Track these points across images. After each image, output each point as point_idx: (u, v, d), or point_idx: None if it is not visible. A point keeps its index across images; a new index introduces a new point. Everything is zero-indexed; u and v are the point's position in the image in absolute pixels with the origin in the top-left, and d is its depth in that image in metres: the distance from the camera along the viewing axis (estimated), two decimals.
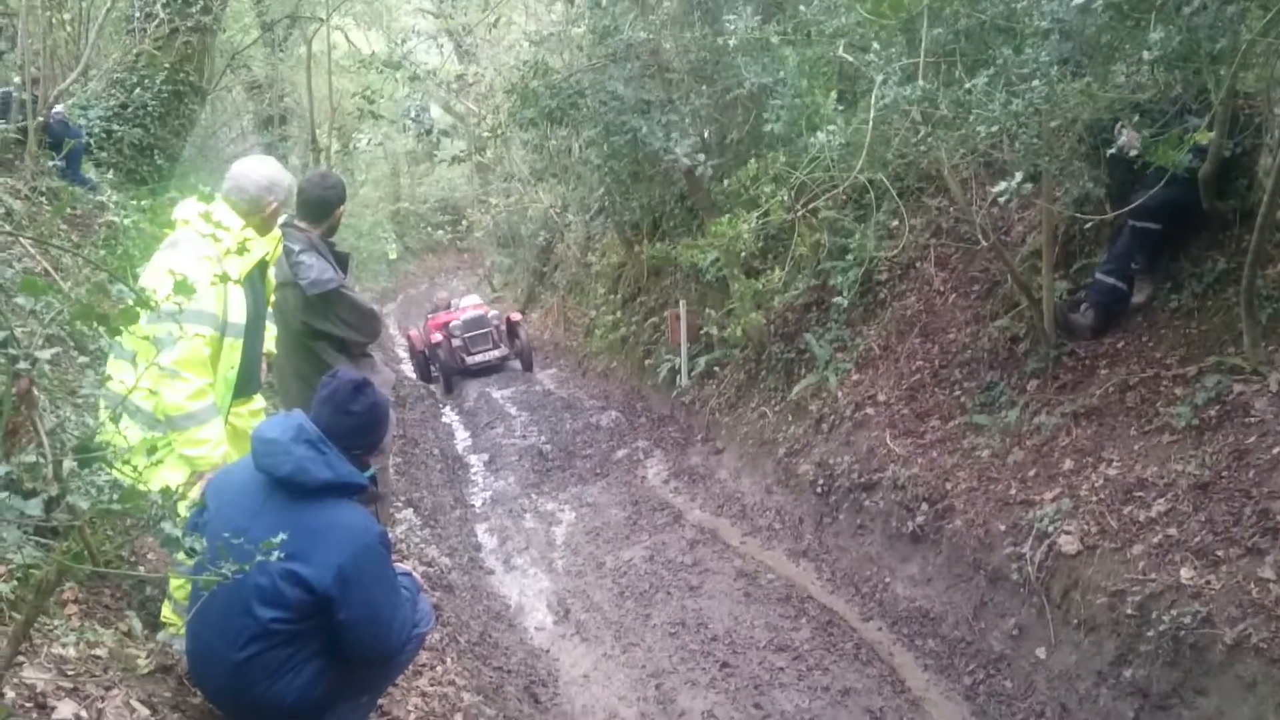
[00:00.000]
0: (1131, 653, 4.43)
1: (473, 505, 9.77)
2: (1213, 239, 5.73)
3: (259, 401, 4.15)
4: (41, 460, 2.21)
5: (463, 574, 7.38)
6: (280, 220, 4.27)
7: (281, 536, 2.54)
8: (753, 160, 5.90)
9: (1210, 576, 4.23)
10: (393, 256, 29.10)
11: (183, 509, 2.65)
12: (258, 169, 4.02)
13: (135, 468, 2.69)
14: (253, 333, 3.90)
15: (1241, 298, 4.90)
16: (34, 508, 1.89)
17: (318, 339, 4.86)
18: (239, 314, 3.72)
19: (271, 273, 4.28)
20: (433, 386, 16.10)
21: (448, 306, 17.61)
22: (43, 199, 8.02)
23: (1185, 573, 4.32)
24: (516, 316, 16.94)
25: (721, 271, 9.95)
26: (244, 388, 3.94)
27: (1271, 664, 3.80)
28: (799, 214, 6.12)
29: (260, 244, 3.88)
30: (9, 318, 2.08)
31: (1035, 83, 4.44)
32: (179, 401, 3.37)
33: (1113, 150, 4.66)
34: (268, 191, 3.99)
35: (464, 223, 24.64)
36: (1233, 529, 4.34)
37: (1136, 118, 4.63)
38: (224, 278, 3.07)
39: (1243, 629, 3.95)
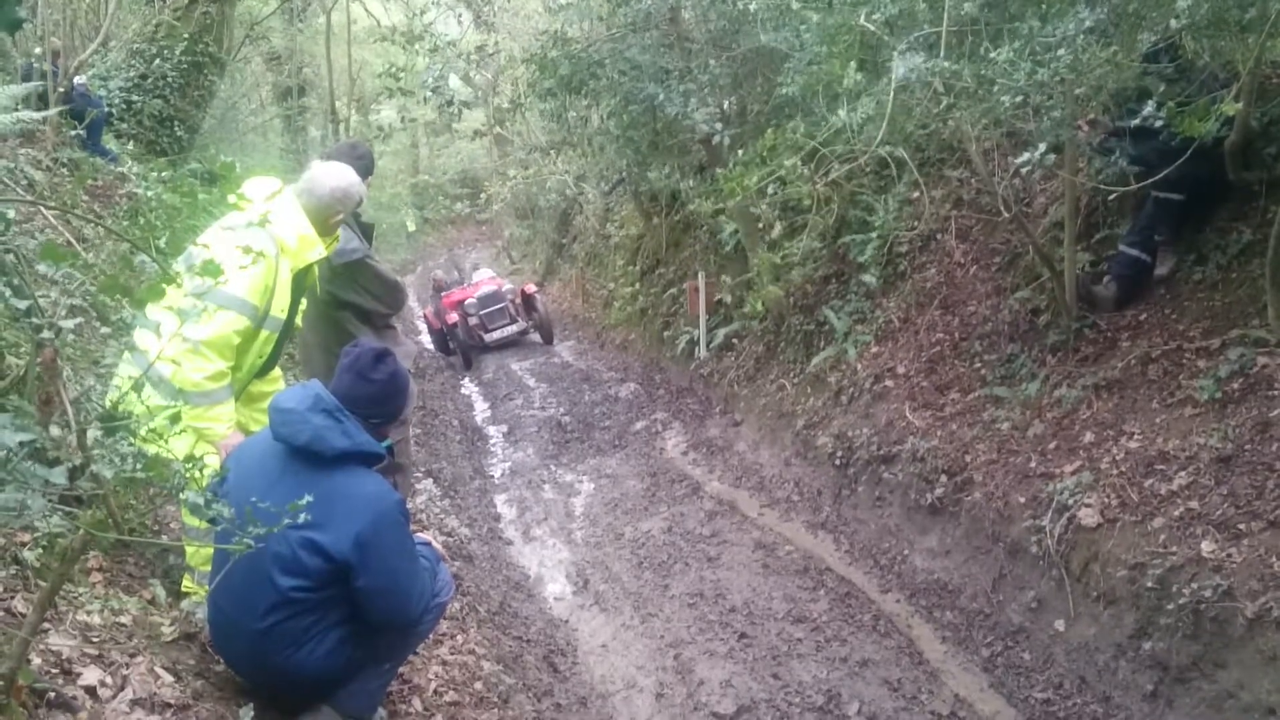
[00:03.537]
0: (1151, 626, 4.42)
1: (492, 476, 9.81)
2: (1238, 210, 5.66)
3: (275, 370, 4.18)
4: (65, 429, 2.23)
5: (482, 544, 7.42)
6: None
7: (307, 498, 2.56)
8: (770, 131, 5.84)
9: (1232, 549, 4.22)
10: (412, 228, 29.13)
11: (205, 476, 2.67)
12: (334, 179, 4.05)
13: (158, 435, 2.71)
14: (288, 327, 3.93)
15: (1266, 269, 4.86)
16: (58, 476, 1.90)
17: (342, 309, 4.88)
18: (281, 309, 3.75)
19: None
20: (452, 359, 16.08)
21: (457, 284, 17.42)
22: (64, 170, 8.05)
23: (1206, 546, 4.30)
24: (532, 288, 16.82)
25: (739, 239, 9.92)
26: (266, 369, 3.97)
27: None
28: (818, 185, 6.08)
29: (317, 248, 3.90)
30: (31, 287, 2.09)
31: (1061, 52, 4.39)
32: (198, 380, 3.40)
33: (1136, 121, 4.60)
34: (338, 203, 4.05)
35: (483, 195, 24.60)
36: (1255, 502, 4.31)
37: (1162, 87, 4.57)
38: (247, 250, 3.07)
39: (1264, 602, 3.93)
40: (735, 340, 10.67)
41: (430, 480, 8.22)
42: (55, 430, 2.26)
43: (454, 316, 15.74)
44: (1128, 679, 4.51)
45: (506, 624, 5.91)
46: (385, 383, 3.26)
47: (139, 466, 2.31)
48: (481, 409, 12.94)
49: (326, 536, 2.92)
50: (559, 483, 9.24)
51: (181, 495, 2.43)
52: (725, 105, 9.68)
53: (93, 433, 2.24)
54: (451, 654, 4.74)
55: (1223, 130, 4.88)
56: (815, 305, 9.18)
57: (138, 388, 2.71)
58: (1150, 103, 4.36)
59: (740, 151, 6.43)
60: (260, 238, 3.58)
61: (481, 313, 15.87)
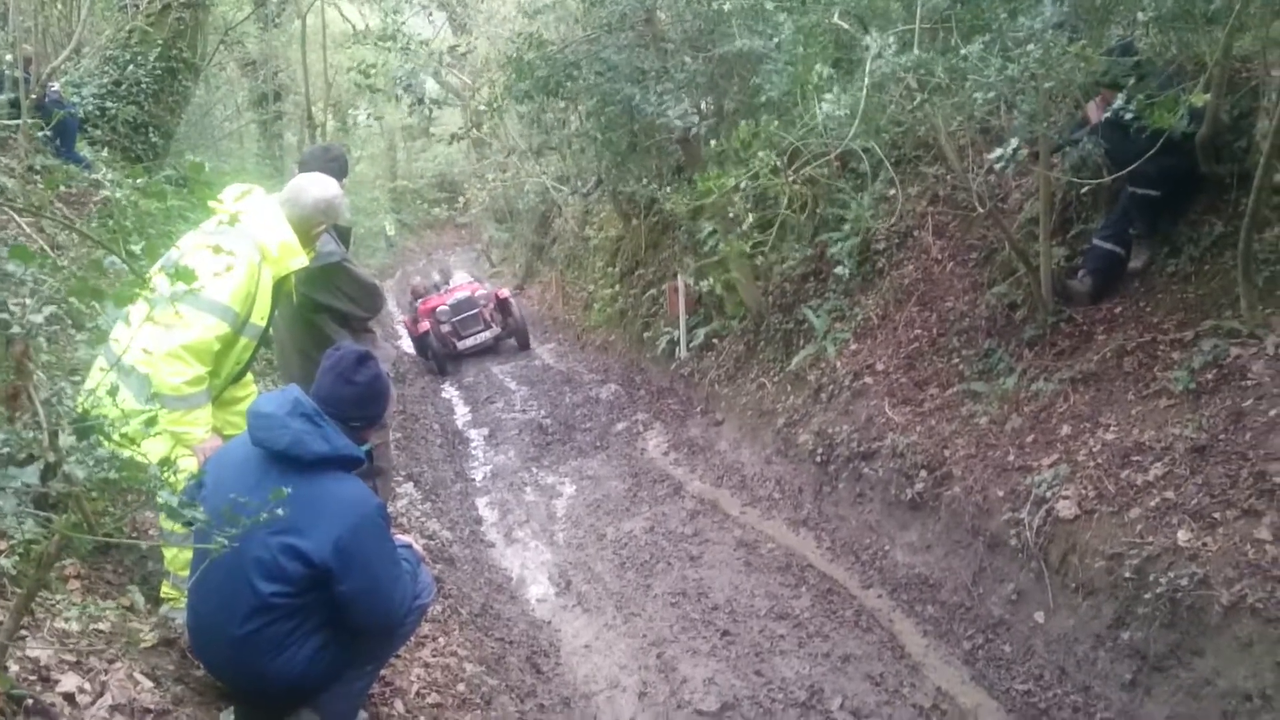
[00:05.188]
0: (1129, 615, 4.45)
1: (473, 479, 9.80)
2: (1210, 203, 5.72)
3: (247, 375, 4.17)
4: (37, 431, 2.22)
5: (464, 547, 7.41)
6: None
7: (286, 490, 2.55)
8: (743, 124, 5.85)
9: (1207, 538, 4.25)
10: (391, 233, 29.06)
11: (180, 479, 2.66)
12: (318, 190, 4.07)
13: (131, 438, 2.69)
14: (266, 334, 3.92)
15: (1239, 261, 4.90)
16: (30, 475, 1.89)
17: (320, 312, 4.87)
18: (261, 316, 3.75)
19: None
20: (431, 364, 16.02)
21: (434, 289, 17.28)
22: (37, 178, 7.99)
23: (1182, 535, 4.34)
24: (505, 293, 16.71)
25: (718, 240, 9.94)
26: (241, 375, 3.96)
27: (1268, 623, 3.83)
28: (790, 180, 6.10)
29: (299, 257, 3.90)
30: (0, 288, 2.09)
31: (1031, 47, 4.42)
32: (176, 384, 3.38)
33: (1107, 114, 4.64)
34: (321, 214, 4.08)
35: (461, 198, 24.58)
36: (1230, 491, 4.35)
37: (1132, 80, 4.61)
38: (218, 250, 3.06)
39: (1239, 590, 3.97)
40: (715, 340, 10.69)
41: (411, 484, 8.21)
42: (27, 433, 2.24)
43: (426, 325, 15.64)
44: (1107, 669, 4.54)
45: (489, 626, 5.90)
46: (367, 385, 3.26)
47: (113, 468, 2.30)
48: (462, 412, 12.91)
49: (307, 542, 2.91)
50: (540, 485, 9.23)
51: (158, 498, 2.42)
52: (702, 105, 9.70)
53: (66, 436, 2.23)
54: (434, 656, 4.74)
55: (1192, 124, 4.93)
56: (794, 304, 9.21)
57: (112, 392, 2.70)
58: (1119, 97, 4.40)
59: (714, 143, 6.45)
60: (241, 242, 3.58)
61: (454, 320, 15.70)
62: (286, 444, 2.98)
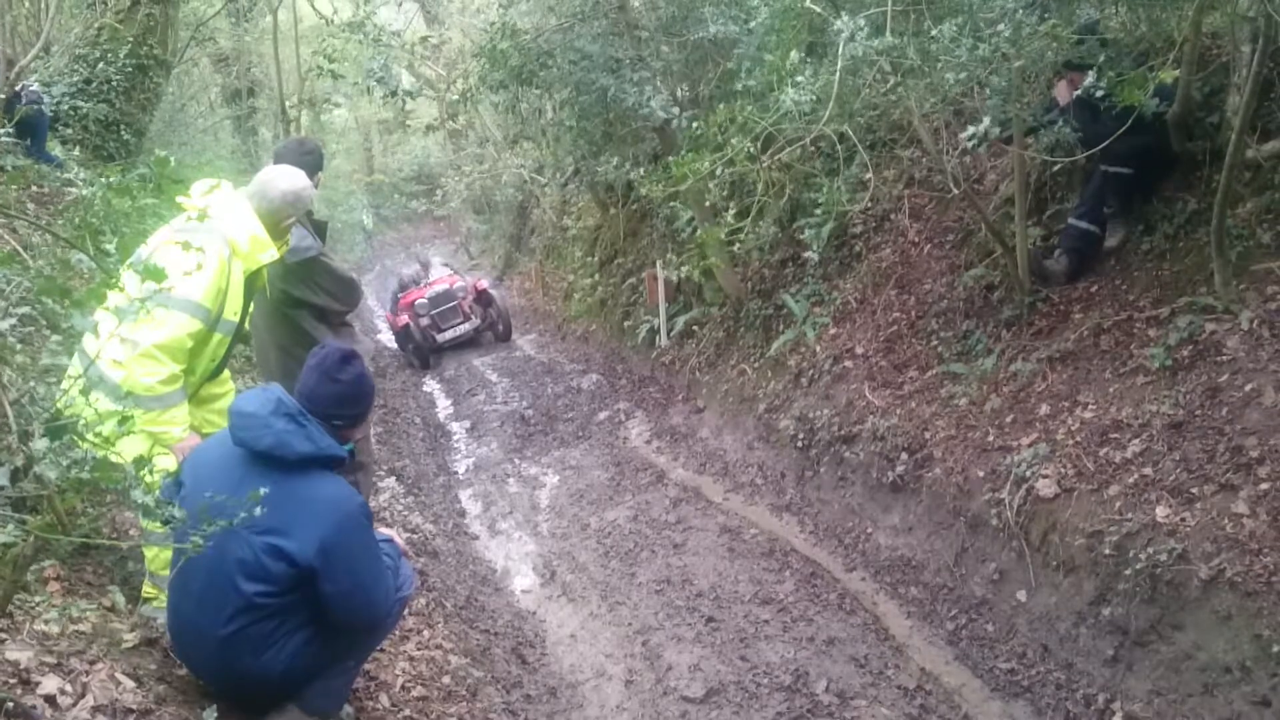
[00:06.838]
0: (1110, 592, 4.49)
1: (456, 472, 9.78)
2: (1183, 180, 5.76)
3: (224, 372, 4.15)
4: (7, 433, 2.20)
5: (447, 540, 7.40)
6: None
7: (263, 491, 2.54)
8: (722, 106, 5.85)
9: (1185, 514, 4.29)
10: (369, 226, 28.89)
11: (157, 479, 2.64)
12: (285, 182, 4.04)
13: (105, 438, 2.68)
14: (240, 329, 3.90)
15: (1212, 237, 4.93)
16: (1, 477, 1.88)
17: (297, 307, 4.85)
18: (234, 311, 3.72)
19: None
20: (412, 356, 15.95)
21: (415, 283, 17.18)
22: (5, 177, 7.91)
23: (1161, 511, 4.37)
24: (484, 284, 16.63)
25: (695, 226, 9.93)
26: (217, 372, 3.94)
27: (1246, 597, 3.87)
28: (765, 164, 6.09)
29: (270, 250, 3.87)
30: None
31: (1001, 26, 4.43)
32: (150, 384, 3.36)
33: (1078, 92, 4.65)
34: (289, 206, 4.05)
35: (439, 191, 24.46)
36: (1207, 466, 4.39)
37: (1101, 58, 4.62)
38: (186, 246, 3.04)
39: (1217, 564, 4.01)
40: (695, 327, 10.69)
41: (394, 478, 8.18)
42: None
43: (405, 319, 15.57)
44: (1089, 645, 4.58)
45: (474, 618, 5.90)
46: (351, 384, 3.25)
47: (87, 468, 2.28)
48: (444, 405, 12.89)
49: (290, 542, 2.90)
50: (523, 476, 9.22)
51: (134, 496, 2.41)
52: (678, 92, 9.68)
53: (38, 437, 2.21)
54: (419, 649, 4.73)
55: (1163, 103, 4.96)
56: (773, 290, 9.22)
57: (85, 391, 2.68)
58: (1090, 75, 4.41)
59: (692, 125, 6.43)
60: (210, 237, 3.55)
61: (433, 312, 15.59)
62: (269, 444, 2.97)
